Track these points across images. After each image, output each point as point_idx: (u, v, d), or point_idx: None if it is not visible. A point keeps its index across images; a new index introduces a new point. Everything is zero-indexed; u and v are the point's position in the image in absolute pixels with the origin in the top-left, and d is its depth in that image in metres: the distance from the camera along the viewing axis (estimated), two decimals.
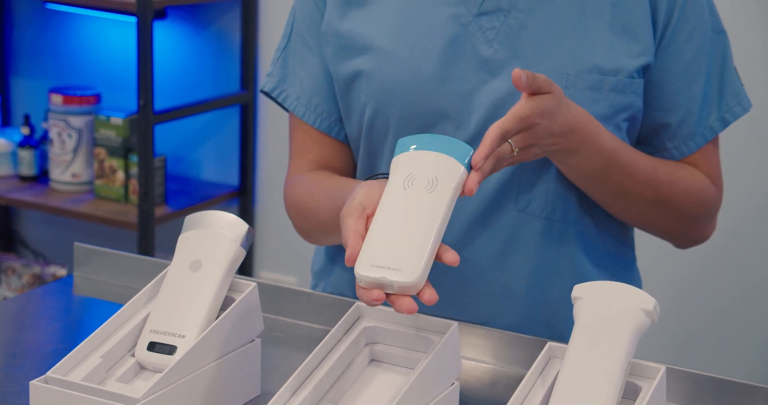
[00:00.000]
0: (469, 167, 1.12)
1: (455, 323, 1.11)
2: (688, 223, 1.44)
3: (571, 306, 1.09)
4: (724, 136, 1.59)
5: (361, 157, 1.46)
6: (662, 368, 1.06)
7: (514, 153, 1.20)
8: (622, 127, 1.40)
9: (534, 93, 1.21)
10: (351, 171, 1.52)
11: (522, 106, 1.20)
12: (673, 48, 1.38)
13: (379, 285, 1.04)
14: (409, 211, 1.08)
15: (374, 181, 1.20)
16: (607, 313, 1.06)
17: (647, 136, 1.43)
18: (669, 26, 1.38)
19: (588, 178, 1.36)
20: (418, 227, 1.07)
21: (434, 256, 1.07)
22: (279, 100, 1.50)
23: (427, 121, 1.38)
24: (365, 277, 1.05)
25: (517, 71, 1.18)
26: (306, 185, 1.46)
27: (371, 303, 1.05)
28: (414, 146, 1.13)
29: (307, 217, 1.46)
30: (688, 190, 1.41)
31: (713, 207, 1.46)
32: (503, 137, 1.17)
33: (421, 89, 1.38)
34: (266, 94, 1.52)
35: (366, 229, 1.11)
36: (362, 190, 1.16)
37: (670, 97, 1.40)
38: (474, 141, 1.37)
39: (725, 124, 1.43)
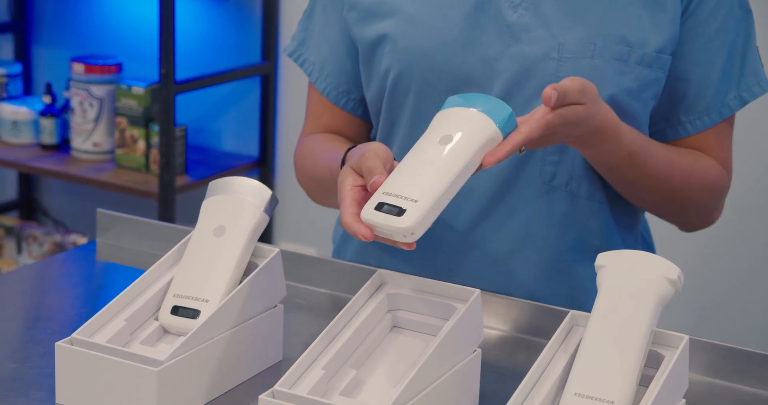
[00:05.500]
0: (503, 128, 1.13)
1: (477, 291, 1.11)
2: (697, 212, 1.45)
3: (594, 280, 1.09)
4: (749, 110, 1.57)
5: (381, 122, 1.46)
6: (685, 338, 1.06)
7: (522, 153, 1.19)
8: (649, 103, 1.39)
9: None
10: (361, 141, 1.52)
11: (553, 115, 1.18)
12: (698, 19, 1.37)
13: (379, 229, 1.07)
14: (428, 164, 1.10)
15: (368, 143, 1.21)
16: (631, 281, 1.06)
17: (663, 109, 1.42)
18: None
19: (599, 167, 1.36)
20: (431, 179, 1.08)
21: (440, 207, 1.08)
22: (297, 63, 1.52)
23: (450, 86, 1.38)
24: (368, 221, 1.07)
25: (547, 91, 1.16)
26: (313, 144, 1.48)
27: (358, 237, 1.07)
28: (458, 104, 1.15)
29: (307, 174, 1.49)
30: (701, 184, 1.41)
31: (723, 196, 1.46)
32: (525, 146, 1.16)
33: (444, 54, 1.37)
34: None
35: (363, 190, 1.14)
36: (356, 154, 1.18)
37: (690, 67, 1.39)
38: None
39: (743, 102, 1.42)
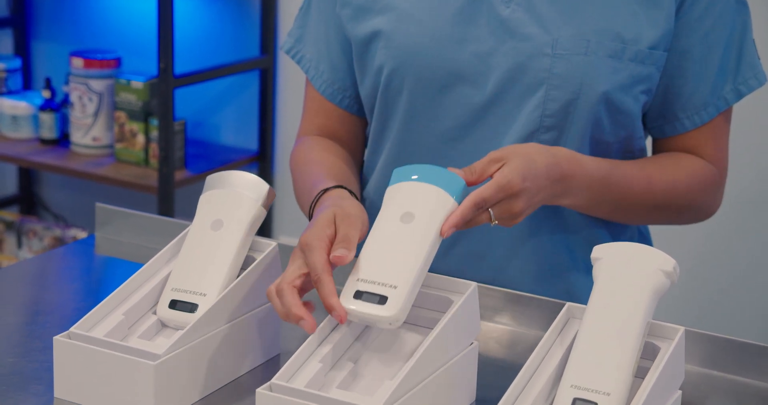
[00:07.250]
0: (460, 201, 1.12)
1: (474, 284, 1.12)
2: (692, 211, 1.44)
3: (589, 283, 1.09)
4: (747, 105, 1.57)
5: (375, 118, 1.46)
6: (681, 329, 1.06)
7: (493, 223, 1.18)
8: (640, 98, 1.38)
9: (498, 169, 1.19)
10: (355, 140, 1.52)
11: (502, 173, 1.18)
12: (693, 15, 1.37)
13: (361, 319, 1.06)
14: (397, 246, 1.09)
15: (350, 206, 1.18)
16: (627, 273, 1.06)
17: (659, 105, 1.42)
18: None
19: (582, 209, 1.36)
20: (404, 262, 1.07)
21: (417, 290, 1.07)
22: (294, 60, 1.52)
23: (444, 83, 1.38)
24: (349, 311, 1.06)
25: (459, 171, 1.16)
26: (305, 153, 1.46)
27: (333, 315, 1.06)
28: (409, 177, 1.13)
29: (295, 190, 1.47)
30: (688, 188, 1.40)
31: (716, 192, 1.45)
32: (478, 206, 1.15)
33: (438, 50, 1.37)
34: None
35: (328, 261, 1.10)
36: (341, 215, 1.15)
37: (686, 64, 1.39)
38: (491, 104, 1.36)
39: (739, 95, 1.41)
